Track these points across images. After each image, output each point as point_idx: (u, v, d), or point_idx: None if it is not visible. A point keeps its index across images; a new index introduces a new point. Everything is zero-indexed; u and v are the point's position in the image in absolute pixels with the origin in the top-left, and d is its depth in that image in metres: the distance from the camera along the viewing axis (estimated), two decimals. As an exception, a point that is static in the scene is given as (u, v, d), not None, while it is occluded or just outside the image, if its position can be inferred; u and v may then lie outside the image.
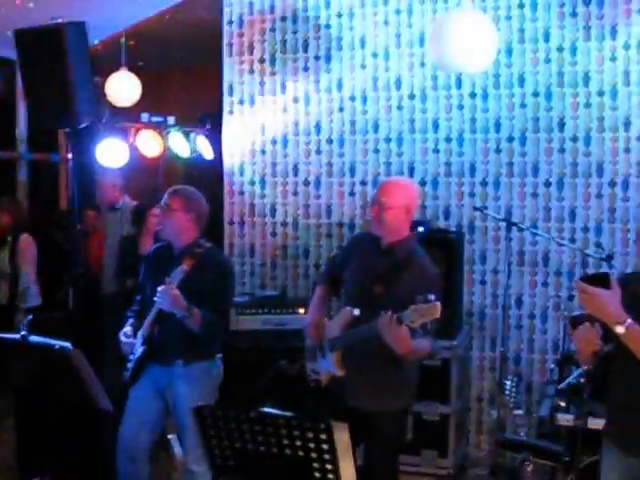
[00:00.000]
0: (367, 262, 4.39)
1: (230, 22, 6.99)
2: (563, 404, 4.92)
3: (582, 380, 4.56)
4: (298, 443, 2.80)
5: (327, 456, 2.77)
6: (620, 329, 3.19)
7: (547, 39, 6.33)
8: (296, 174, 6.89)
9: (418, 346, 4.06)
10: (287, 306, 6.38)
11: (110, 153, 6.74)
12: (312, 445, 2.78)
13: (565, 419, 4.84)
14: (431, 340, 4.13)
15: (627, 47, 6.19)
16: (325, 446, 2.76)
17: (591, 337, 3.31)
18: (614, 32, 6.20)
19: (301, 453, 2.81)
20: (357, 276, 4.41)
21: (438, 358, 5.87)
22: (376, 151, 6.69)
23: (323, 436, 2.74)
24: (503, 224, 5.96)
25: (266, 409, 2.90)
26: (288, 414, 2.85)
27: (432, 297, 3.81)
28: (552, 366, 5.96)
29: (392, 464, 4.48)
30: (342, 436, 2.74)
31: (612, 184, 6.24)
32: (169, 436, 4.78)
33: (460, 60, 5.52)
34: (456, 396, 6.01)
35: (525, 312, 6.46)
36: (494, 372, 6.40)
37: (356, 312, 4.22)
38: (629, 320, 3.19)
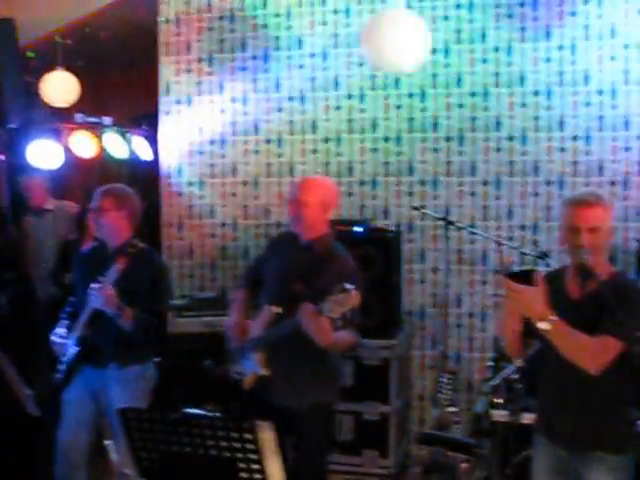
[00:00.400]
0: (287, 260, 4.41)
1: (166, 21, 6.92)
2: (499, 401, 4.94)
3: (515, 376, 4.58)
4: (223, 444, 2.77)
5: (253, 456, 2.74)
6: (545, 325, 3.22)
7: (484, 40, 6.39)
8: (235, 175, 6.84)
9: (339, 338, 4.08)
10: (226, 308, 6.30)
11: (42, 154, 6.61)
12: (237, 445, 2.75)
13: (500, 415, 4.82)
14: (352, 332, 4.15)
15: (561, 48, 6.28)
16: (250, 446, 2.73)
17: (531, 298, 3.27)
18: (549, 33, 6.29)
19: (227, 454, 2.78)
20: (277, 274, 4.42)
21: (376, 357, 5.89)
22: (315, 151, 6.68)
23: (248, 436, 2.71)
24: (442, 223, 5.97)
25: (190, 410, 2.86)
26: (212, 414, 2.82)
27: (349, 286, 3.85)
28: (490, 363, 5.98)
29: (320, 463, 4.49)
30: (267, 435, 2.71)
31: (548, 183, 6.32)
32: (106, 442, 4.71)
33: (392, 60, 5.56)
34: (396, 395, 6.01)
35: (465, 311, 6.50)
36: (435, 371, 6.41)
37: (277, 310, 4.25)
38: (553, 317, 3.22)
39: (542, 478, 3.68)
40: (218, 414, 2.92)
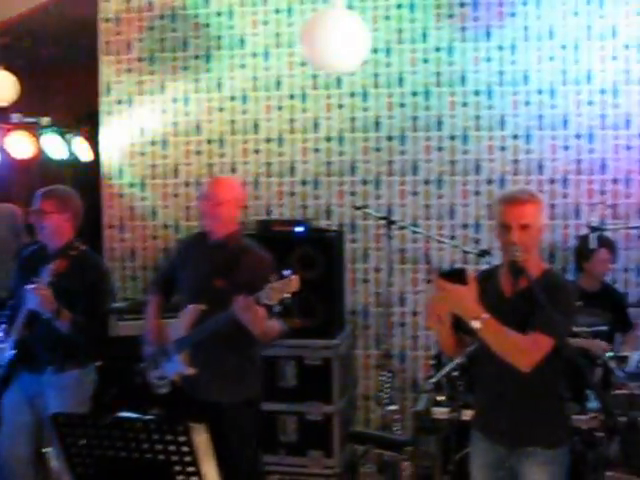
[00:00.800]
0: (202, 259, 4.47)
1: (107, 19, 6.84)
2: (441, 398, 4.97)
3: (456, 373, 4.63)
4: (158, 447, 2.74)
5: (188, 458, 2.72)
6: (476, 323, 3.25)
7: (425, 39, 6.43)
8: (176, 176, 6.78)
9: (269, 327, 4.22)
10: (169, 310, 6.26)
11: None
12: (172, 448, 2.72)
13: (441, 412, 4.87)
14: (280, 322, 4.28)
15: (501, 48, 6.35)
16: (185, 448, 2.71)
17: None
18: (489, 34, 6.36)
19: (162, 457, 2.75)
20: (196, 274, 4.47)
21: (318, 357, 5.90)
22: (257, 151, 6.65)
23: (182, 438, 2.69)
24: (384, 222, 5.99)
25: (124, 413, 2.83)
26: (146, 418, 2.79)
27: (287, 272, 3.99)
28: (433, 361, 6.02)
29: (254, 458, 4.55)
30: (201, 437, 2.69)
31: (489, 181, 6.40)
32: (46, 450, 4.64)
33: (333, 60, 5.55)
34: (339, 395, 6.00)
35: (408, 309, 6.53)
36: (379, 370, 6.42)
37: (203, 307, 4.33)
38: (485, 315, 3.25)
39: (480, 474, 3.70)
40: (151, 417, 2.87)
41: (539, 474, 3.51)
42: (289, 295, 4.01)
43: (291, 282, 3.99)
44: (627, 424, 4.64)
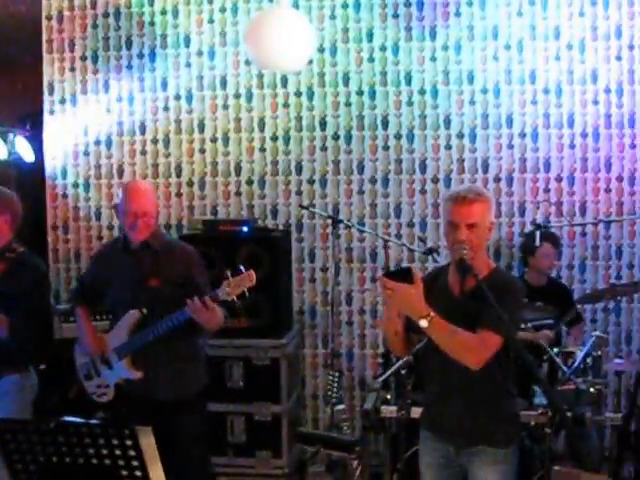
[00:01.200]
0: (130, 264, 4.46)
1: (49, 17, 6.73)
2: (388, 396, 4.98)
3: (404, 371, 4.64)
4: (104, 451, 2.70)
5: (135, 462, 2.69)
6: (424, 323, 3.25)
7: (370, 39, 6.43)
8: (121, 176, 6.69)
9: (221, 319, 4.33)
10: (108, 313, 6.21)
11: None
12: (118, 452, 2.69)
13: (389, 411, 4.89)
14: (222, 309, 4.31)
15: (446, 48, 6.40)
16: (132, 452, 2.67)
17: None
18: (433, 33, 6.40)
19: (108, 462, 2.71)
20: (127, 280, 4.45)
21: (266, 357, 5.90)
22: (202, 151, 6.61)
23: (129, 442, 2.66)
24: (330, 221, 5.97)
25: (68, 418, 2.78)
26: (92, 422, 2.75)
27: (242, 268, 4.10)
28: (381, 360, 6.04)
29: (203, 459, 4.61)
30: (148, 440, 2.66)
31: (435, 180, 6.44)
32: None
33: (278, 59, 5.55)
34: (287, 395, 5.99)
35: (355, 308, 6.55)
36: (327, 369, 6.42)
37: (144, 311, 4.36)
38: (432, 313, 3.25)
39: (429, 473, 3.71)
40: (97, 421, 2.83)
41: (489, 473, 3.53)
42: (247, 290, 4.10)
43: (248, 277, 4.08)
44: (573, 419, 4.71)
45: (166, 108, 6.62)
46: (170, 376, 4.40)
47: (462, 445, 3.56)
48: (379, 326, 4.74)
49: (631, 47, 6.32)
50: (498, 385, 3.53)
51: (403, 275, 3.24)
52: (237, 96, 6.54)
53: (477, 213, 3.46)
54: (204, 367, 4.65)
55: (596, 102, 6.36)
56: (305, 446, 4.91)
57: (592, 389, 4.82)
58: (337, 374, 4.88)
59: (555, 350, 4.94)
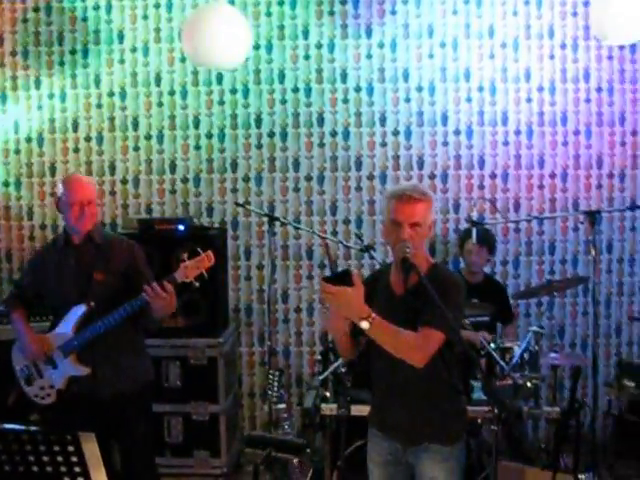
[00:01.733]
0: (72, 261, 4.44)
1: (-24, 12, 6.57)
2: (328, 394, 4.97)
3: (343, 369, 4.61)
4: (45, 458, 2.64)
5: (77, 468, 2.63)
6: (365, 324, 3.23)
7: (306, 36, 6.42)
8: (53, 174, 6.56)
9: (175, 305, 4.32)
10: (48, 314, 6.08)
11: None
12: (60, 459, 2.63)
13: (329, 409, 4.88)
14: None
15: (382, 45, 6.42)
16: (74, 458, 2.62)
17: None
18: (369, 31, 6.42)
19: (50, 468, 2.65)
20: (70, 277, 4.42)
21: (202, 356, 5.85)
22: (136, 149, 6.53)
23: (71, 448, 2.60)
24: (266, 219, 5.93)
25: (7, 425, 2.71)
26: (32, 429, 2.68)
27: (199, 249, 4.18)
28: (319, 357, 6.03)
29: (149, 458, 4.58)
30: (90, 445, 2.61)
31: (370, 177, 6.47)
32: None
33: (213, 56, 5.51)
34: (225, 394, 5.96)
35: (291, 306, 6.56)
36: (264, 367, 6.39)
37: (92, 304, 4.33)
38: (373, 314, 3.24)
39: (377, 470, 3.72)
40: (38, 428, 2.76)
41: (436, 471, 3.54)
42: (205, 271, 4.14)
43: (206, 258, 4.15)
44: (512, 414, 4.76)
45: (99, 105, 6.52)
46: (116, 370, 4.37)
47: (409, 443, 3.57)
48: (328, 329, 4.72)
49: (563, 46, 6.42)
50: (443, 382, 3.54)
51: (342, 278, 3.21)
52: (172, 93, 6.48)
53: (420, 213, 3.46)
54: (149, 361, 4.65)
55: (529, 100, 6.45)
56: (256, 450, 4.86)
57: (529, 383, 4.86)
58: (277, 373, 4.84)
59: (493, 346, 4.97)
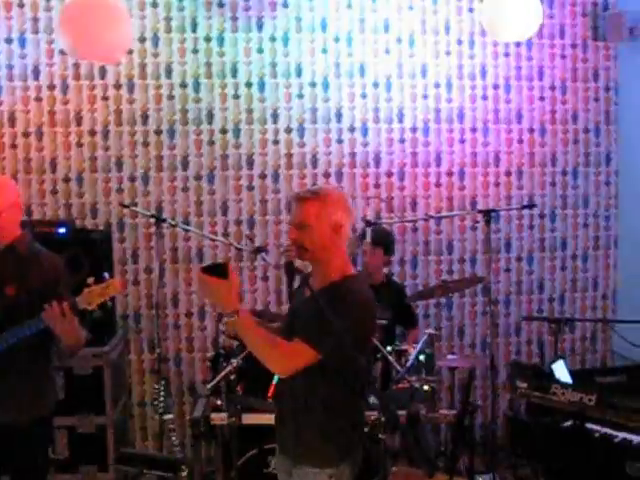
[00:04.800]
0: None
1: None
2: (219, 402, 4.83)
3: (232, 377, 4.55)
4: None
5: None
6: (232, 319, 3.20)
7: (194, 29, 6.24)
8: None
9: (80, 336, 3.98)
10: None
11: None
12: None
13: (220, 418, 4.77)
14: (85, 330, 4.03)
15: (273, 39, 6.30)
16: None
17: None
18: (260, 24, 6.28)
19: None
20: None
21: (88, 366, 5.59)
22: (13, 146, 6.12)
23: None
24: (154, 220, 5.68)
25: None
26: None
27: (106, 275, 3.93)
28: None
29: None
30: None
31: (262, 176, 6.34)
32: None
33: (93, 49, 5.27)
34: (112, 405, 5.71)
35: (182, 311, 6.37)
36: (154, 375, 6.14)
37: None
38: (242, 310, 3.19)
39: (279, 477, 3.60)
40: None
41: None
42: (109, 299, 3.87)
43: (111, 285, 3.87)
44: (408, 417, 4.69)
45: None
46: (10, 398, 3.98)
47: (294, 461, 3.41)
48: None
49: (459, 42, 6.43)
50: (318, 402, 3.31)
51: (219, 270, 3.18)
52: (51, 87, 6.14)
53: (307, 213, 3.30)
54: (54, 394, 4.25)
55: (426, 97, 6.43)
56: (127, 468, 4.66)
57: (426, 387, 4.82)
58: (163, 382, 4.65)
59: (388, 349, 4.88)
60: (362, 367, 3.25)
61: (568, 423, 4.23)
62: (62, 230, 5.63)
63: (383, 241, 5.87)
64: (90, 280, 3.84)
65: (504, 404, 5.92)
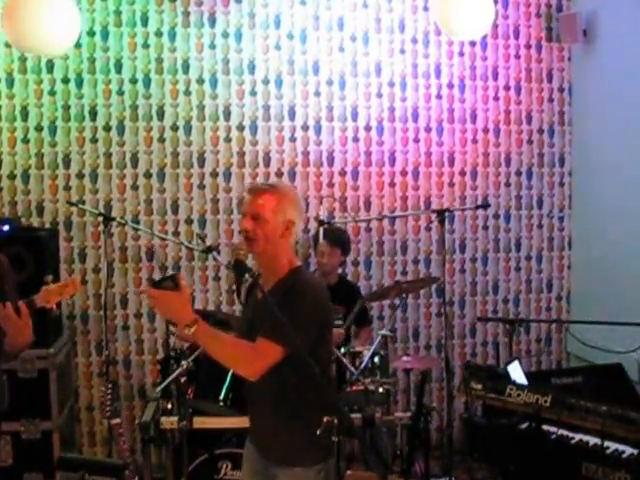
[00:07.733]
0: None
1: None
2: (170, 406, 4.75)
3: (183, 379, 4.45)
4: None
5: None
6: (188, 331, 3.06)
7: (145, 23, 6.12)
8: None
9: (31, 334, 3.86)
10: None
11: None
12: None
13: (170, 422, 4.68)
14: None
15: (226, 35, 6.21)
16: None
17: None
18: (213, 19, 6.19)
19: None
20: None
21: (32, 369, 5.42)
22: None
23: None
24: (102, 219, 5.59)
25: None
26: None
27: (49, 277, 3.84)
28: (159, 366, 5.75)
29: None
30: None
31: (214, 174, 6.24)
32: None
33: (36, 42, 5.15)
34: (59, 409, 5.56)
35: (131, 312, 6.24)
36: (103, 378, 6.04)
37: None
38: (198, 320, 3.06)
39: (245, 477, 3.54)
40: None
41: None
42: (68, 298, 3.93)
43: (71, 284, 3.81)
44: (363, 420, 4.62)
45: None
46: None
47: (269, 461, 3.35)
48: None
49: (414, 40, 6.39)
50: (286, 400, 3.26)
51: (170, 282, 3.07)
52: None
53: (265, 204, 3.25)
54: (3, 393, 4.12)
55: (380, 95, 6.38)
56: (68, 473, 4.54)
57: (381, 389, 4.76)
58: (110, 385, 4.51)
59: (343, 350, 4.81)
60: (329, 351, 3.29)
61: (524, 425, 4.21)
62: (6, 228, 5.47)
63: (341, 241, 5.83)
64: (48, 278, 3.80)
65: (460, 406, 5.85)
